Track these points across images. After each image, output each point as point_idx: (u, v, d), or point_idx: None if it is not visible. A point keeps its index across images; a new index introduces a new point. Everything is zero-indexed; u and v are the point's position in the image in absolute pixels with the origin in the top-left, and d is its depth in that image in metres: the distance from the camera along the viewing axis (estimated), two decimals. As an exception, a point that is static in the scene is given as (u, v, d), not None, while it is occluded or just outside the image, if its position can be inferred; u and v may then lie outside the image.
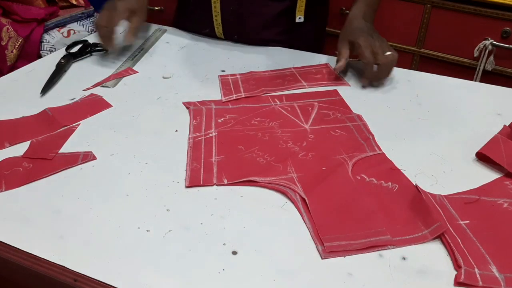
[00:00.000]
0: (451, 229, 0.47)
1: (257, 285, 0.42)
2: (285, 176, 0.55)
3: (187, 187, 0.53)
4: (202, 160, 0.57)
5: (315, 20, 0.93)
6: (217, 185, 0.53)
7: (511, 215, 0.50)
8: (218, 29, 0.90)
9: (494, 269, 0.43)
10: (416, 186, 0.53)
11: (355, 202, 0.51)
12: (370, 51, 0.74)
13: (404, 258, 0.45)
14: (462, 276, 0.42)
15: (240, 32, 0.90)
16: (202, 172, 0.55)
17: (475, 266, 0.44)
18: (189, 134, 0.62)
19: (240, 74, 0.79)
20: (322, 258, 0.44)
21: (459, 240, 0.46)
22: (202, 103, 0.70)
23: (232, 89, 0.73)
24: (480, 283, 0.42)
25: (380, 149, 0.60)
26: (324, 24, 1.02)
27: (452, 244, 0.46)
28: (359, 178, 0.55)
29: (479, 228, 0.48)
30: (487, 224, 0.49)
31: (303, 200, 0.51)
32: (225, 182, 0.54)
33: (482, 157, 0.59)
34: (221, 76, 0.78)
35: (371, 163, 0.58)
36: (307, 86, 0.75)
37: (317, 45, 0.98)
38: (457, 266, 0.44)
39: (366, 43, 0.74)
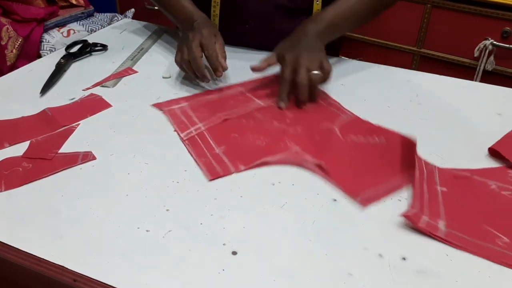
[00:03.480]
0: (425, 188, 0.52)
1: (257, 285, 0.41)
2: (290, 151, 0.58)
3: (210, 180, 0.53)
4: (208, 154, 0.58)
5: None
6: (237, 172, 0.55)
7: (493, 195, 0.52)
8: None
9: (441, 223, 0.48)
10: (416, 155, 0.57)
11: (360, 158, 0.57)
12: (291, 68, 0.67)
13: (404, 258, 0.44)
14: (410, 213, 0.48)
15: (253, 45, 0.89)
16: (215, 164, 0.56)
17: (426, 214, 0.48)
18: (179, 133, 0.62)
19: (184, 101, 0.69)
20: (363, 207, 0.50)
21: (426, 197, 0.51)
22: (170, 102, 0.69)
23: (186, 121, 0.64)
24: (421, 225, 0.47)
25: (352, 113, 0.66)
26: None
27: (415, 195, 0.51)
28: (349, 139, 0.59)
29: (452, 196, 0.52)
30: (462, 195, 0.52)
31: (319, 166, 0.55)
32: (242, 168, 0.55)
33: (494, 153, 0.59)
34: (161, 106, 0.67)
35: (351, 125, 0.63)
36: (263, 105, 0.69)
37: (333, 53, 0.98)
38: (410, 207, 0.50)
39: (291, 57, 0.67)
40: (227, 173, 0.55)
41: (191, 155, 0.58)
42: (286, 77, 0.68)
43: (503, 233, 0.47)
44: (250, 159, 0.57)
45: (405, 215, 0.48)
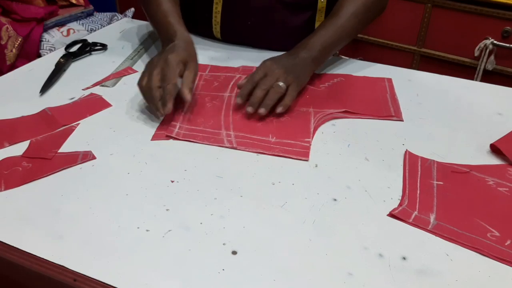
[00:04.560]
0: (419, 184, 0.53)
1: (257, 285, 0.41)
2: (310, 112, 0.67)
3: (307, 160, 0.55)
4: (273, 146, 0.60)
5: None
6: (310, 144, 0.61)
7: (489, 190, 0.52)
8: (217, 32, 0.90)
9: (432, 216, 0.49)
10: (406, 151, 0.59)
11: (346, 92, 0.73)
12: (263, 73, 0.66)
13: (404, 258, 0.44)
14: (397, 211, 0.49)
15: (256, 43, 0.88)
16: (292, 148, 0.59)
17: (416, 210, 0.49)
18: (220, 145, 0.60)
19: (174, 121, 0.64)
20: (398, 118, 0.67)
21: (419, 192, 0.52)
22: (167, 129, 0.62)
23: (209, 135, 0.62)
24: (410, 221, 0.48)
25: None
26: None
27: (405, 192, 0.52)
28: (323, 87, 0.74)
29: (448, 190, 0.52)
30: (458, 189, 0.52)
31: (348, 112, 0.67)
32: (310, 139, 0.61)
33: (496, 150, 0.59)
34: (163, 135, 0.62)
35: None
36: (230, 94, 0.71)
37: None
38: (399, 205, 0.50)
39: (270, 64, 0.67)
40: (309, 146, 0.60)
41: (261, 154, 0.58)
42: (254, 78, 0.66)
43: (494, 227, 0.47)
44: (304, 131, 0.62)
45: (393, 214, 0.49)
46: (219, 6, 0.85)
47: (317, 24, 0.86)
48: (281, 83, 0.64)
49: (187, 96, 0.62)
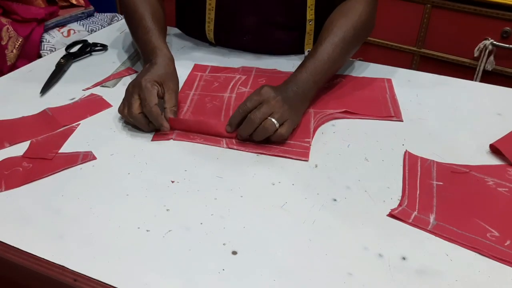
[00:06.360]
0: (418, 184, 0.53)
1: (257, 285, 0.42)
2: (311, 113, 0.67)
3: (307, 160, 0.56)
4: (273, 146, 0.60)
5: None
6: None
7: (489, 191, 0.52)
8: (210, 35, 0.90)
9: (431, 216, 0.49)
10: (406, 152, 0.59)
11: (346, 94, 0.73)
12: (257, 102, 0.60)
13: (404, 258, 0.45)
14: (397, 211, 0.49)
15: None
16: (292, 148, 0.60)
17: (416, 210, 0.50)
18: (220, 146, 0.60)
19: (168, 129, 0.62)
20: (398, 119, 0.67)
21: (418, 192, 0.52)
22: (164, 137, 0.62)
23: (209, 136, 0.62)
24: (410, 221, 0.49)
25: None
26: None
27: (404, 193, 0.52)
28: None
29: (447, 190, 0.52)
30: (458, 189, 0.53)
31: (348, 112, 0.68)
32: (311, 140, 0.61)
33: (495, 150, 0.60)
34: (162, 137, 0.61)
35: None
36: (231, 95, 0.71)
37: None
38: (399, 205, 0.50)
39: (266, 93, 0.60)
40: (309, 147, 0.60)
41: (261, 154, 0.58)
42: (246, 106, 0.60)
43: (494, 227, 0.48)
44: (304, 131, 0.62)
45: (393, 214, 0.49)
46: (211, 25, 0.85)
47: (306, 47, 0.86)
48: (274, 120, 0.58)
49: (166, 124, 0.61)
